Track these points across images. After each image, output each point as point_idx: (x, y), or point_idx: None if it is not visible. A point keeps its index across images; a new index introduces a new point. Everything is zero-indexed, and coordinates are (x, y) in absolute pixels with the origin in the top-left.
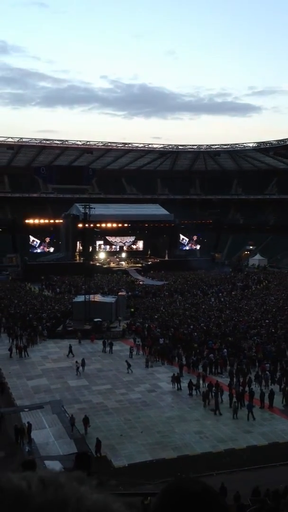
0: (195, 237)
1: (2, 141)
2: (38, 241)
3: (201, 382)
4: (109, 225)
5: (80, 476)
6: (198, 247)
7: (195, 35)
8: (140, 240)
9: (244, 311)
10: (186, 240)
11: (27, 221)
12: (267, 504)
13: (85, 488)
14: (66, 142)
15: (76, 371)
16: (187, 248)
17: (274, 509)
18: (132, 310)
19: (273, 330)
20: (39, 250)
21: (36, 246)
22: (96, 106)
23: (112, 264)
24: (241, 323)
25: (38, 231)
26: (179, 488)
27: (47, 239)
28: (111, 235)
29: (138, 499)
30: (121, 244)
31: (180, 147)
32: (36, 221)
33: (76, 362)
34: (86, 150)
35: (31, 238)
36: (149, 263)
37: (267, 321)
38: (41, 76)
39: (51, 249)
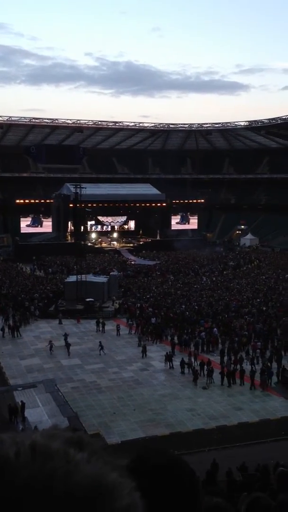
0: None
1: None
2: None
3: (193, 360)
4: (100, 205)
5: (80, 440)
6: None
7: (180, 12)
8: (132, 220)
9: (235, 290)
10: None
11: (17, 201)
12: (258, 479)
13: (82, 455)
14: (56, 121)
15: (49, 351)
16: (182, 223)
17: (266, 484)
18: (123, 290)
19: (264, 309)
20: (29, 226)
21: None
22: (83, 84)
23: (103, 244)
24: (233, 302)
25: (29, 211)
26: (146, 460)
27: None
28: (103, 215)
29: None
30: (112, 224)
31: (171, 126)
32: (27, 201)
33: (50, 341)
34: (76, 129)
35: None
36: (140, 243)
37: (258, 300)
38: (25, 54)
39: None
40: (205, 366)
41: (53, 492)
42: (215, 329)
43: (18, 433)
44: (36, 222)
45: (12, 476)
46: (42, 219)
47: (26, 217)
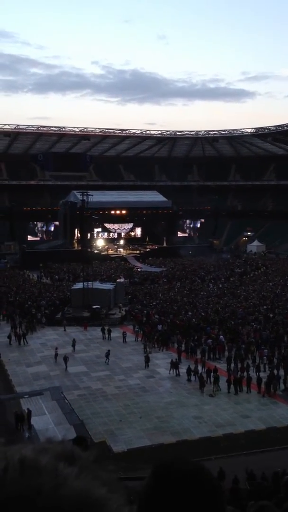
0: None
1: None
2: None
3: (199, 367)
4: (107, 212)
5: (72, 454)
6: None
7: (185, 19)
8: (138, 227)
9: (242, 297)
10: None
11: (25, 208)
12: (266, 487)
13: (71, 470)
14: (63, 129)
15: (54, 358)
16: (190, 224)
17: (274, 491)
18: (130, 297)
19: (271, 316)
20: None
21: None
22: (89, 92)
23: (110, 251)
24: (239, 309)
25: (36, 218)
26: (169, 468)
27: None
28: (109, 222)
29: (137, 483)
30: (119, 231)
31: (177, 133)
32: (34, 208)
33: (56, 348)
34: (83, 136)
35: (31, 224)
36: (147, 249)
37: (265, 307)
38: (32, 62)
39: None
40: (212, 374)
41: (39, 508)
42: (221, 336)
43: (10, 447)
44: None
45: None
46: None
47: (33, 236)
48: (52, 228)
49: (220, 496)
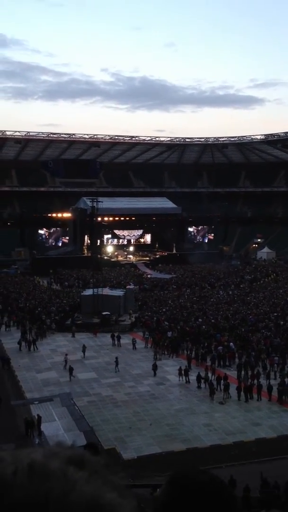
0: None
1: (10, 135)
2: (50, 235)
3: (209, 374)
4: (116, 218)
5: (82, 458)
6: (207, 239)
7: (194, 27)
8: (148, 233)
9: (252, 304)
10: (195, 231)
11: (35, 215)
12: (278, 496)
13: (81, 475)
14: (73, 136)
15: (64, 364)
16: (199, 238)
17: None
18: (139, 303)
19: (281, 323)
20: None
21: (44, 239)
22: (99, 99)
23: (120, 258)
24: (250, 316)
25: (46, 225)
26: (186, 478)
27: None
28: (119, 229)
29: (147, 490)
30: (129, 237)
31: (187, 140)
32: (44, 215)
33: (66, 355)
34: (93, 143)
35: (42, 231)
36: (156, 256)
37: (275, 314)
38: (42, 70)
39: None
40: (222, 381)
41: None
42: (231, 343)
43: (20, 451)
44: None
45: (7, 496)
46: None
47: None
48: (60, 244)
49: (235, 507)
